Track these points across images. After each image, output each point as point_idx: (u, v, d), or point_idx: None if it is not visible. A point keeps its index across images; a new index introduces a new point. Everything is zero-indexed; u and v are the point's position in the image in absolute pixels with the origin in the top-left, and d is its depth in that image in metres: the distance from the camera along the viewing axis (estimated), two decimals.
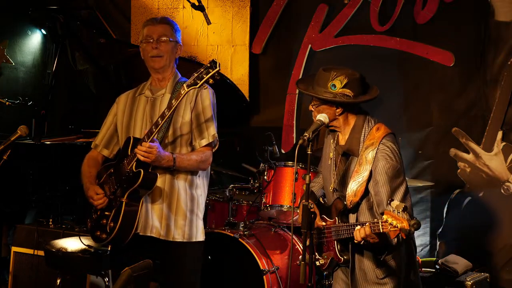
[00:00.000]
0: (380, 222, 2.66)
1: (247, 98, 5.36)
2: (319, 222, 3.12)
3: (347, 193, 2.99)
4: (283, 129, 5.44)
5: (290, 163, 4.36)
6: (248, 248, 4.09)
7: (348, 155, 3.06)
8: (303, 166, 4.13)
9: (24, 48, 5.74)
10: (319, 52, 5.33)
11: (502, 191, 4.87)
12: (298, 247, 4.33)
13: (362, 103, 3.06)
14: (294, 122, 5.41)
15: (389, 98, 4.97)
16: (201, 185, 3.49)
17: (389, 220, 2.60)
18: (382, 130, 3.00)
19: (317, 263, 3.15)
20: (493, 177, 4.90)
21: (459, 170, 4.99)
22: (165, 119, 3.20)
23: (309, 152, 2.93)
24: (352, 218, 3.03)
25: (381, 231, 2.65)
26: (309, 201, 2.92)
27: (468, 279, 4.39)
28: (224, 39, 5.57)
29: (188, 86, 3.13)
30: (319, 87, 3.02)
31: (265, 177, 4.35)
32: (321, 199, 3.27)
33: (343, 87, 2.97)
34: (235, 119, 5.12)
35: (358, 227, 2.78)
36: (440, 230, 5.04)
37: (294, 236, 4.27)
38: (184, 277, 3.44)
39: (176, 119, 3.36)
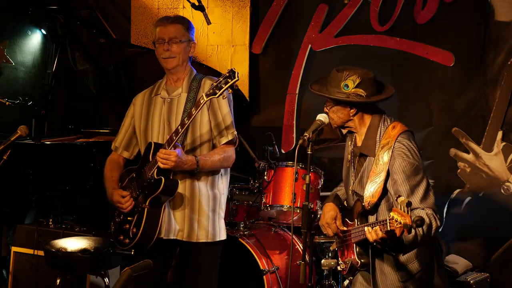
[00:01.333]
0: (387, 220, 2.60)
1: (247, 98, 5.36)
2: (341, 227, 3.08)
3: (364, 194, 2.94)
4: (283, 129, 5.44)
5: (290, 163, 4.36)
6: (248, 248, 4.10)
7: (365, 156, 3.02)
8: (303, 166, 4.13)
9: (24, 48, 5.74)
10: (319, 52, 5.32)
11: (502, 191, 4.87)
12: (298, 247, 4.34)
13: (377, 103, 3.03)
14: (294, 122, 5.41)
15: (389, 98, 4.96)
16: (222, 183, 3.50)
17: (395, 216, 2.55)
18: (398, 128, 2.95)
19: (339, 267, 3.11)
20: (493, 177, 4.90)
21: (459, 170, 4.98)
22: (185, 127, 3.21)
23: (309, 152, 2.93)
24: (371, 219, 2.97)
25: (389, 228, 2.59)
26: (330, 208, 2.90)
27: (468, 279, 4.39)
28: (224, 39, 5.57)
29: (207, 96, 3.14)
30: (332, 88, 2.99)
31: (265, 177, 4.35)
32: (345, 203, 3.22)
33: (355, 87, 2.94)
34: (235, 119, 5.11)
35: (366, 228, 2.73)
36: (440, 230, 5.04)
37: (294, 236, 4.27)
38: (205, 276, 3.45)
39: (195, 121, 3.35)
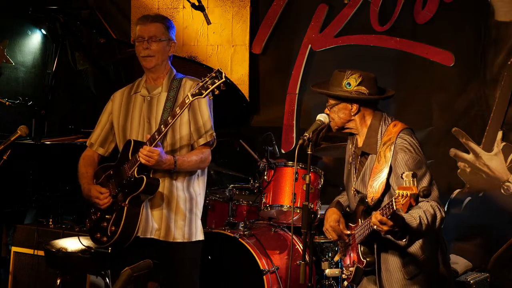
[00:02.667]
0: (393, 200, 2.56)
1: (247, 98, 5.36)
2: (345, 231, 3.07)
3: (368, 190, 2.95)
4: (283, 129, 5.44)
5: (290, 163, 4.35)
6: (248, 248, 4.10)
7: (367, 155, 3.03)
8: (303, 166, 4.13)
9: (24, 48, 5.74)
10: (319, 52, 5.33)
11: (502, 191, 4.87)
12: (298, 247, 4.33)
13: (377, 101, 3.05)
14: (294, 122, 5.41)
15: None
16: (199, 184, 3.51)
17: (400, 192, 2.51)
18: (399, 126, 2.98)
19: (343, 275, 3.10)
20: (493, 177, 4.90)
21: (459, 170, 4.98)
22: (168, 127, 3.21)
23: (309, 152, 2.93)
24: None
25: (395, 208, 2.54)
26: (333, 213, 2.89)
27: (468, 279, 4.39)
28: (224, 39, 5.57)
29: (192, 96, 3.13)
30: (334, 87, 3.02)
31: (265, 177, 4.35)
32: (347, 209, 3.21)
33: (358, 85, 2.97)
34: (235, 119, 5.12)
35: (373, 212, 2.71)
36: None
37: (294, 236, 4.27)
38: (184, 276, 3.45)
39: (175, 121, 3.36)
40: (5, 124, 4.93)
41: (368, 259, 2.95)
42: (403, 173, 2.60)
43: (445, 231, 4.97)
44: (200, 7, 4.77)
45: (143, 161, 3.19)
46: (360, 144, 3.07)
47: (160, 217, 3.36)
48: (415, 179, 2.48)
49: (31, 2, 5.44)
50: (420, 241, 2.90)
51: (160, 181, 3.33)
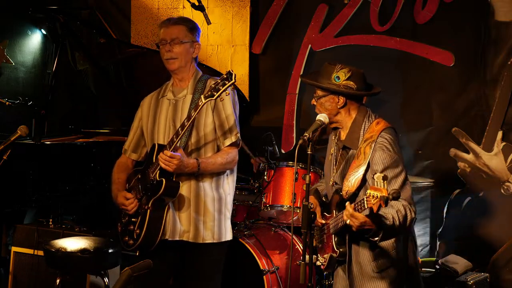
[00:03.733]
0: (365, 199, 2.64)
1: (247, 98, 5.36)
2: (320, 220, 3.13)
3: (344, 184, 3.00)
4: (283, 129, 5.44)
5: (290, 163, 4.35)
6: (248, 248, 4.10)
7: (348, 149, 3.08)
8: (303, 166, 4.13)
9: (24, 48, 5.73)
10: (319, 52, 5.33)
11: (502, 191, 4.87)
12: (298, 247, 4.33)
13: (364, 96, 3.10)
14: (294, 122, 5.41)
15: (389, 98, 4.97)
16: (228, 184, 3.50)
17: (372, 193, 2.57)
18: (382, 124, 3.02)
19: (318, 263, 3.15)
20: (493, 177, 4.90)
21: (459, 170, 4.99)
22: (185, 129, 3.22)
23: (309, 152, 2.94)
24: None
25: (366, 206, 2.62)
26: (309, 201, 2.92)
27: (468, 279, 4.39)
28: (224, 39, 5.57)
29: (205, 98, 3.14)
30: (323, 79, 3.08)
31: (265, 177, 4.35)
32: (324, 198, 3.27)
33: (346, 79, 3.03)
34: None
35: (346, 204, 2.75)
36: (440, 230, 5.04)
37: (294, 236, 4.27)
38: (210, 276, 3.46)
39: (199, 122, 3.36)
40: (5, 124, 4.93)
41: (341, 250, 3.01)
42: (375, 173, 2.68)
43: (445, 231, 5.01)
44: (200, 7, 4.77)
45: (162, 166, 3.20)
46: (343, 137, 3.12)
47: (188, 218, 3.36)
48: (385, 181, 2.55)
49: (31, 2, 5.44)
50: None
51: (187, 182, 3.33)
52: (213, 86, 3.13)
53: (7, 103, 5.26)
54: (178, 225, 3.34)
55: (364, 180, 2.96)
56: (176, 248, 3.36)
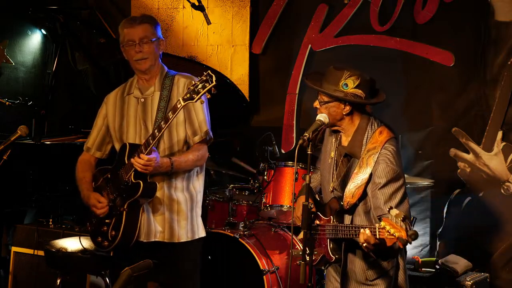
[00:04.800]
0: (377, 228, 2.66)
1: (247, 98, 5.36)
2: (315, 221, 3.11)
3: (345, 194, 3.00)
4: (283, 129, 5.44)
5: (290, 163, 4.35)
6: (248, 248, 4.10)
7: (350, 156, 3.06)
8: (303, 166, 4.13)
9: (24, 48, 5.73)
10: (319, 52, 5.33)
11: (502, 191, 4.87)
12: (298, 247, 4.33)
13: (371, 105, 3.08)
14: (294, 122, 5.41)
15: (389, 98, 4.92)
16: (199, 181, 3.50)
17: (387, 227, 2.60)
18: (385, 134, 2.99)
19: (307, 258, 3.14)
20: (493, 177, 4.90)
21: (459, 170, 4.98)
22: (162, 131, 3.19)
23: (309, 152, 2.93)
24: (347, 219, 3.03)
25: (378, 236, 2.65)
26: (309, 200, 2.92)
27: (468, 279, 4.39)
28: (224, 39, 5.57)
29: (184, 100, 3.09)
30: (329, 85, 3.01)
31: (265, 177, 4.35)
32: (317, 196, 3.26)
33: (355, 87, 2.97)
34: (235, 119, 5.12)
35: (362, 230, 2.75)
36: (440, 230, 5.04)
37: (294, 236, 4.27)
38: (188, 274, 3.45)
39: (171, 122, 3.35)
40: (5, 124, 4.93)
41: (337, 256, 3.03)
42: (391, 208, 2.68)
43: (445, 231, 5.01)
44: (200, 7, 4.77)
45: (140, 170, 3.18)
46: (345, 143, 3.10)
47: (163, 219, 3.36)
48: (405, 222, 2.57)
49: (31, 2, 5.45)
50: None
51: (159, 184, 3.32)
52: (192, 88, 3.08)
53: (7, 103, 5.26)
54: (153, 226, 3.34)
55: (364, 192, 2.96)
56: (151, 249, 3.33)
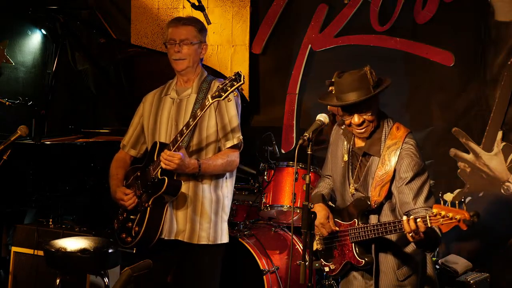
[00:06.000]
0: (428, 217, 2.61)
1: (247, 98, 5.36)
2: (334, 228, 3.09)
3: (370, 193, 2.96)
4: (283, 129, 5.44)
5: (290, 163, 4.35)
6: (248, 248, 4.10)
7: (368, 156, 3.03)
8: (303, 166, 4.13)
9: (24, 48, 5.73)
10: (319, 52, 5.33)
11: (502, 191, 4.87)
12: (298, 247, 4.33)
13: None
14: (294, 122, 5.41)
15: (389, 98, 4.96)
16: (227, 186, 3.49)
17: (442, 212, 2.54)
18: (403, 130, 2.98)
19: (326, 269, 3.11)
20: (493, 177, 4.90)
21: (459, 170, 4.99)
22: (190, 128, 3.20)
23: (309, 152, 2.93)
24: (373, 219, 2.99)
25: (429, 225, 2.61)
26: (320, 208, 2.90)
27: (468, 279, 4.39)
28: (224, 39, 5.57)
29: (212, 98, 3.13)
30: (365, 90, 2.87)
31: (265, 177, 4.35)
32: (330, 203, 3.23)
33: (377, 79, 2.93)
34: None
35: (405, 218, 2.70)
36: None
37: (294, 236, 4.27)
38: (205, 278, 3.44)
39: (202, 123, 3.35)
40: (5, 124, 4.93)
41: (366, 259, 2.97)
42: (404, 182, 2.69)
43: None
44: (200, 7, 4.77)
45: (163, 165, 3.19)
46: (360, 143, 3.07)
47: (185, 218, 3.35)
48: (464, 204, 2.57)
49: (31, 2, 5.45)
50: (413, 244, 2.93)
51: (186, 182, 3.33)
52: (221, 86, 3.12)
53: (7, 103, 5.26)
54: (175, 225, 3.34)
55: (390, 189, 2.93)
56: (172, 246, 3.35)
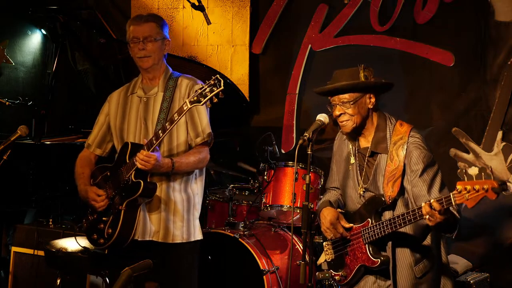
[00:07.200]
0: (452, 196, 2.60)
1: (247, 98, 5.36)
2: (346, 224, 3.07)
3: (384, 190, 2.97)
4: (283, 129, 5.44)
5: (290, 163, 4.35)
6: (248, 248, 4.10)
7: (375, 154, 3.04)
8: (303, 166, 4.13)
9: (24, 48, 5.74)
10: (319, 52, 5.33)
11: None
12: (298, 247, 4.33)
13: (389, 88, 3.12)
14: (294, 122, 5.41)
15: (389, 98, 4.92)
16: (197, 183, 3.50)
17: (468, 187, 2.54)
18: (406, 125, 3.04)
19: (337, 277, 3.10)
20: (493, 177, 4.89)
21: (459, 170, 4.98)
22: (166, 132, 3.20)
23: (309, 152, 2.93)
24: (388, 215, 2.99)
25: (453, 204, 2.60)
26: (332, 214, 2.89)
27: (468, 279, 4.39)
28: (224, 39, 5.57)
29: (191, 103, 3.12)
30: (349, 80, 3.00)
31: (265, 177, 4.35)
32: (339, 210, 3.21)
33: (374, 77, 3.02)
34: (235, 119, 5.12)
35: (423, 203, 2.70)
36: None
37: (294, 236, 4.27)
38: (183, 276, 3.45)
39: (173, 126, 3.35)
40: (5, 124, 4.93)
41: (382, 258, 2.96)
42: (416, 175, 2.71)
43: None
44: (200, 7, 4.77)
45: (139, 166, 3.18)
46: (365, 144, 3.09)
47: (158, 219, 3.36)
48: (483, 173, 2.54)
49: (31, 2, 5.45)
50: (430, 238, 2.95)
51: (158, 182, 3.33)
52: (199, 91, 3.09)
53: (7, 103, 5.26)
54: (149, 226, 3.34)
55: (402, 184, 2.94)
56: (146, 247, 3.34)
